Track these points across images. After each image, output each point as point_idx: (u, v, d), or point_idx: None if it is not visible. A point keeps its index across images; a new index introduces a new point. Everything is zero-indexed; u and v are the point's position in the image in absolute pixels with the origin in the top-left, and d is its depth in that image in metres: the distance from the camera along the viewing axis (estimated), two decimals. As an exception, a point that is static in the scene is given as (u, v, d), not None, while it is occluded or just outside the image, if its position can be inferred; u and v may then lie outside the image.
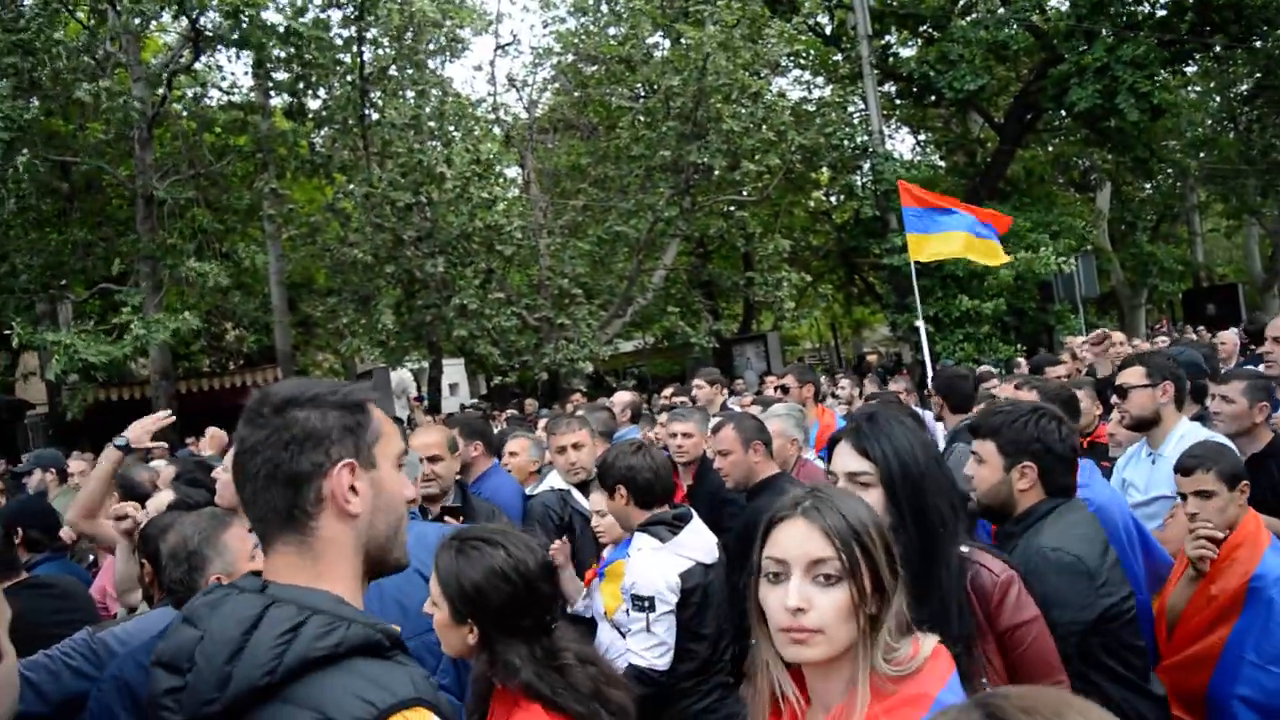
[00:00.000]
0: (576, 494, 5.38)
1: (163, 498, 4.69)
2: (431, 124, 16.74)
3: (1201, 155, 29.85)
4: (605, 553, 4.59)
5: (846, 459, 2.62)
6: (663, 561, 4.03)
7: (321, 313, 18.95)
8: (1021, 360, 15.65)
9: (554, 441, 5.63)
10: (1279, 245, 33.25)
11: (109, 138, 17.39)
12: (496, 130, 20.30)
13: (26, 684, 3.19)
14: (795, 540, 1.98)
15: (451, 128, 16.82)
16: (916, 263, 11.18)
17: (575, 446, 5.51)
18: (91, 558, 5.91)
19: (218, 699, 1.48)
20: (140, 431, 5.09)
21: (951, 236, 10.23)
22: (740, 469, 5.02)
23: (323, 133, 18.32)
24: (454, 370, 32.19)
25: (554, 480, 5.54)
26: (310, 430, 1.68)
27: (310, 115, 17.67)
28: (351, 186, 16.79)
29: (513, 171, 21.29)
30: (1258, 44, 23.10)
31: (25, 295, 17.15)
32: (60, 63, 14.86)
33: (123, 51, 16.48)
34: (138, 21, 15.31)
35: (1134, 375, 4.80)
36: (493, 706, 2.59)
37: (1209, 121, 31.23)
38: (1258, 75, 25.45)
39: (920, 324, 11.39)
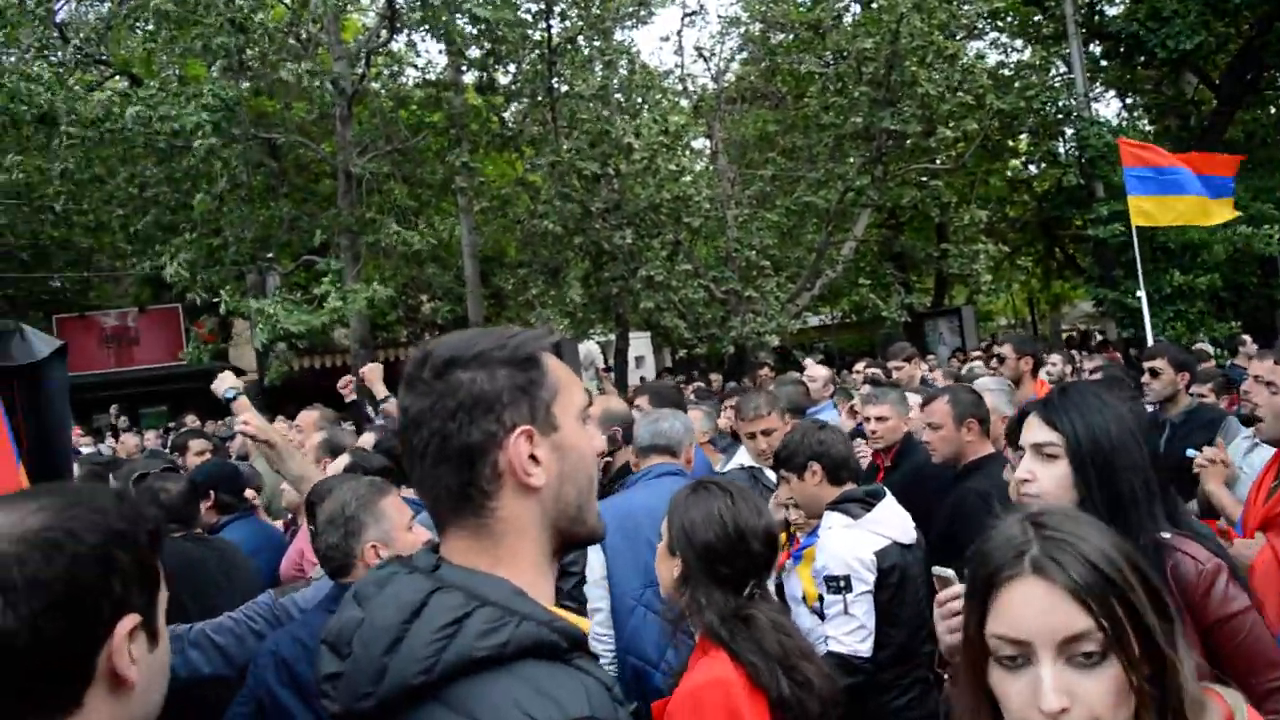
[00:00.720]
0: (768, 471, 5.17)
1: (340, 461, 4.70)
2: (619, 95, 16.71)
3: None
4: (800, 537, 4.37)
5: (1035, 430, 2.48)
6: (856, 539, 3.78)
7: (512, 285, 19.25)
8: (1246, 338, 14.44)
9: (743, 426, 5.38)
10: None
11: (313, 117, 18.05)
12: (684, 102, 20.17)
13: (213, 647, 3.21)
14: (1037, 611, 1.47)
15: (639, 99, 16.74)
16: (1139, 228, 10.20)
17: (765, 433, 5.23)
18: (290, 516, 6.02)
19: (372, 693, 1.32)
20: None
21: (1180, 201, 9.32)
22: (950, 445, 4.68)
23: (513, 107, 18.55)
24: (640, 343, 32.36)
25: (743, 457, 5.32)
26: (478, 395, 1.46)
27: (500, 90, 17.91)
28: (540, 159, 16.92)
29: (699, 143, 21.11)
30: None
31: (235, 266, 18.01)
32: (266, 44, 15.41)
33: (324, 32, 17.05)
34: (338, 2, 15.74)
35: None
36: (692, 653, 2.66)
37: None
38: None
39: (1142, 295, 10.38)
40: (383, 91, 19.11)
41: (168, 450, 9.88)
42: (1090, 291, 19.83)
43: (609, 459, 4.69)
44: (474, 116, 18.20)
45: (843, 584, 3.69)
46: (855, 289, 19.66)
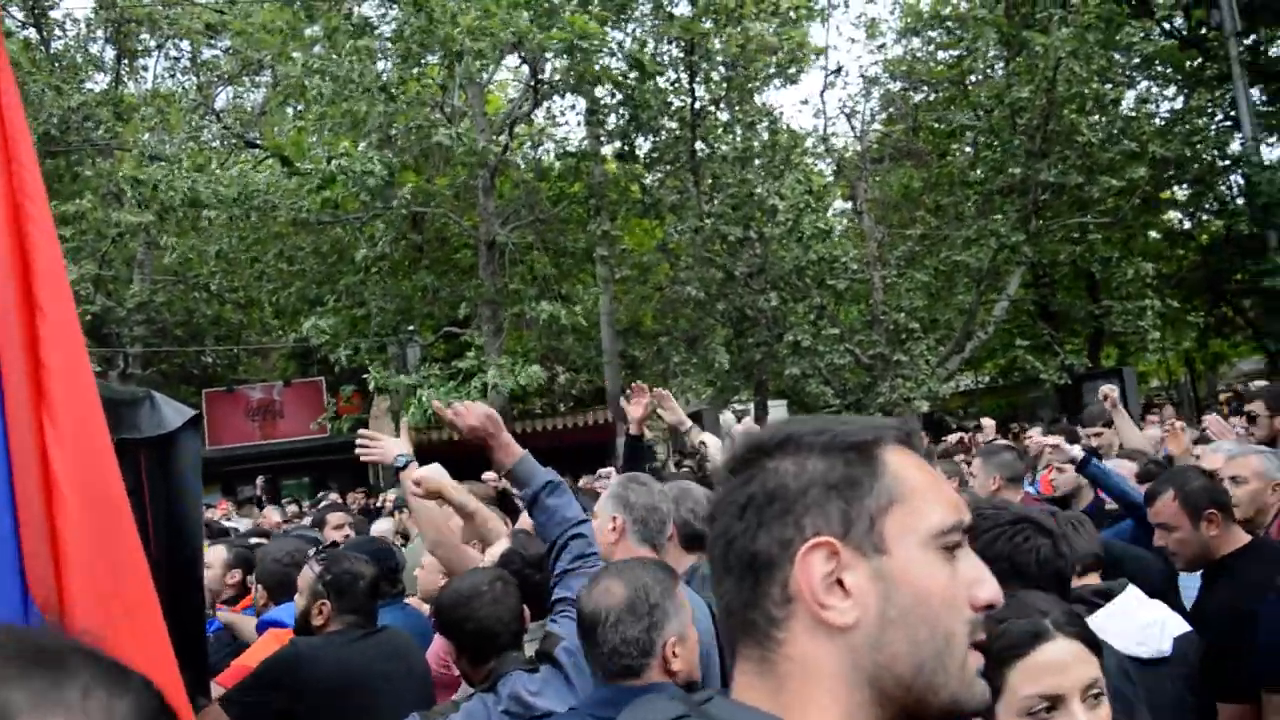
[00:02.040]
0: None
1: (498, 547, 4.17)
2: (760, 159, 16.38)
3: None
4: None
5: None
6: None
7: (647, 355, 18.95)
8: None
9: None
10: None
11: (456, 188, 18.24)
12: (823, 166, 19.83)
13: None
14: (1068, 663, 1.77)
15: (781, 161, 16.39)
16: None
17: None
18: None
19: None
20: None
21: None
22: (1191, 547, 3.79)
23: (653, 174, 18.44)
24: (777, 411, 31.69)
25: None
26: (774, 489, 1.08)
27: (640, 157, 17.79)
28: (682, 226, 16.65)
29: (843, 205, 20.68)
30: None
31: (378, 338, 18.16)
32: (414, 113, 15.55)
33: (468, 105, 17.21)
34: (479, 65, 15.80)
35: None
36: None
37: None
38: None
39: None
40: (522, 163, 19.23)
41: (309, 525, 9.74)
42: (1270, 345, 18.55)
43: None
44: (613, 185, 18.13)
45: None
46: (1009, 350, 18.81)
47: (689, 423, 5.79)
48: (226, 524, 12.19)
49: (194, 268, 20.31)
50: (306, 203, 15.63)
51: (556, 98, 18.16)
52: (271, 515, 13.79)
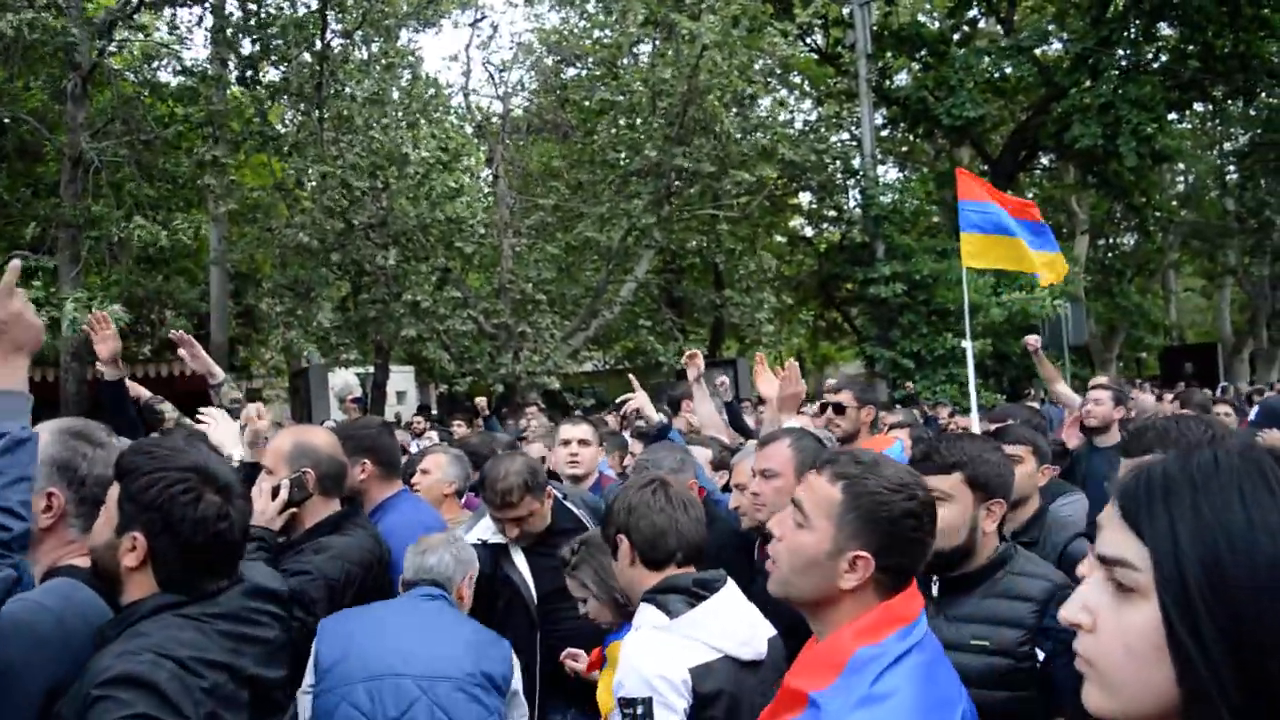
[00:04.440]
0: (517, 555, 3.99)
1: None
2: (397, 103, 15.31)
3: (1184, 212, 29.40)
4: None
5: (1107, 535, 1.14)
6: (664, 648, 2.60)
7: (265, 303, 17.37)
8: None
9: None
10: (1258, 308, 32.59)
11: (46, 92, 15.86)
12: (466, 127, 19.05)
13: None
14: None
15: (418, 111, 15.39)
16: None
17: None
18: None
19: None
20: None
21: (1013, 244, 8.60)
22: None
23: (281, 108, 16.85)
24: (404, 378, 30.56)
25: (484, 530, 4.07)
26: None
27: (266, 84, 16.17)
28: (306, 166, 15.21)
29: (481, 171, 19.97)
30: (1262, 94, 22.52)
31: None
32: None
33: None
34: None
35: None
36: None
37: (1191, 179, 30.90)
38: (1258, 130, 24.79)
39: (968, 345, 9.35)
40: (132, 75, 17.06)
41: None
42: (870, 350, 19.72)
43: (295, 509, 3.38)
44: (236, 113, 16.40)
45: (641, 710, 2.54)
46: (634, 332, 18.89)
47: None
48: None
49: None
50: None
51: (182, 10, 16.24)
52: None
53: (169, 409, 5.93)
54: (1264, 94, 22.55)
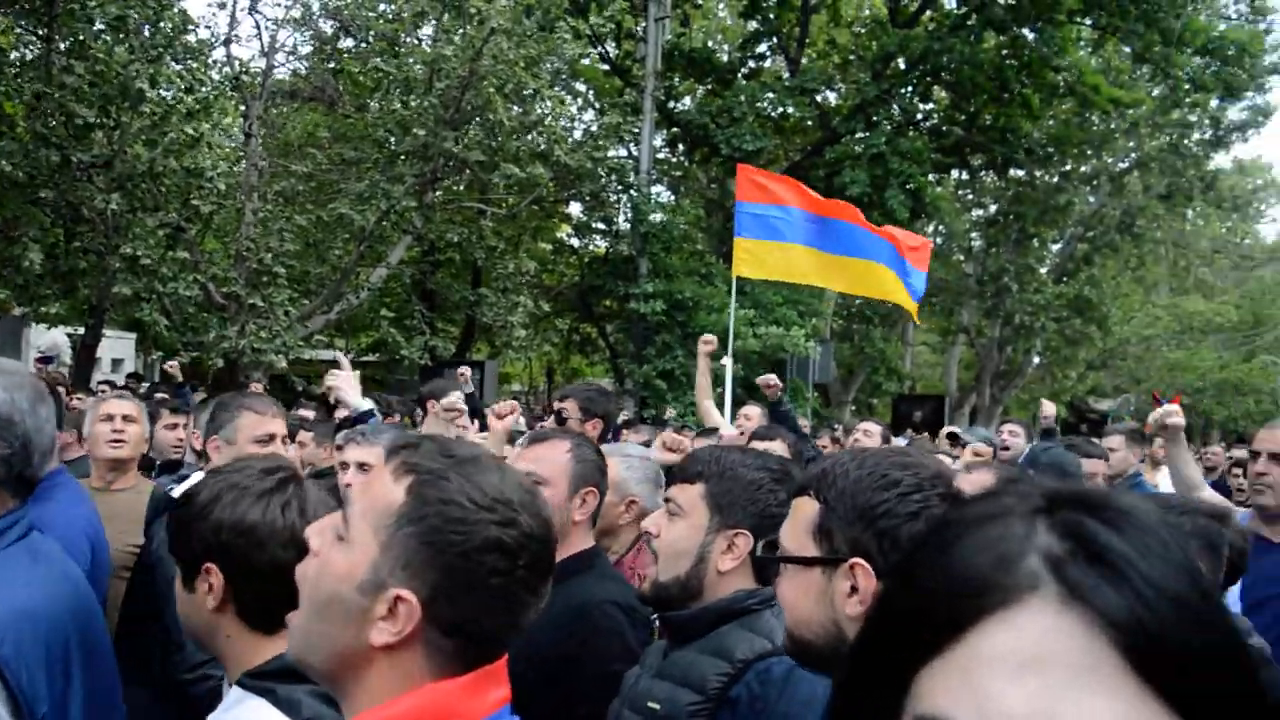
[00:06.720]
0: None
1: None
2: (137, 34, 13.66)
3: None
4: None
5: None
6: None
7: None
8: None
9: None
10: (984, 367, 34.68)
11: None
12: (222, 80, 17.50)
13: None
14: None
15: (162, 46, 13.77)
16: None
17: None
18: None
19: None
20: None
21: (804, 253, 7.92)
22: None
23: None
24: (124, 345, 27.93)
25: None
26: None
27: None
28: (22, 87, 13.33)
29: (231, 125, 18.39)
30: (1012, 171, 23.98)
31: None
32: None
33: None
34: None
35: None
36: None
37: (941, 240, 32.64)
38: (1005, 202, 26.37)
39: (728, 363, 8.54)
40: None
41: None
42: (624, 366, 19.41)
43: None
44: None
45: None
46: (378, 322, 17.84)
47: None
48: None
49: None
50: None
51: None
52: None
53: None
54: (1015, 169, 23.97)
